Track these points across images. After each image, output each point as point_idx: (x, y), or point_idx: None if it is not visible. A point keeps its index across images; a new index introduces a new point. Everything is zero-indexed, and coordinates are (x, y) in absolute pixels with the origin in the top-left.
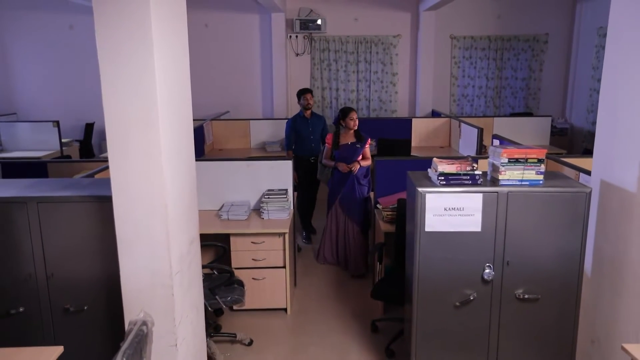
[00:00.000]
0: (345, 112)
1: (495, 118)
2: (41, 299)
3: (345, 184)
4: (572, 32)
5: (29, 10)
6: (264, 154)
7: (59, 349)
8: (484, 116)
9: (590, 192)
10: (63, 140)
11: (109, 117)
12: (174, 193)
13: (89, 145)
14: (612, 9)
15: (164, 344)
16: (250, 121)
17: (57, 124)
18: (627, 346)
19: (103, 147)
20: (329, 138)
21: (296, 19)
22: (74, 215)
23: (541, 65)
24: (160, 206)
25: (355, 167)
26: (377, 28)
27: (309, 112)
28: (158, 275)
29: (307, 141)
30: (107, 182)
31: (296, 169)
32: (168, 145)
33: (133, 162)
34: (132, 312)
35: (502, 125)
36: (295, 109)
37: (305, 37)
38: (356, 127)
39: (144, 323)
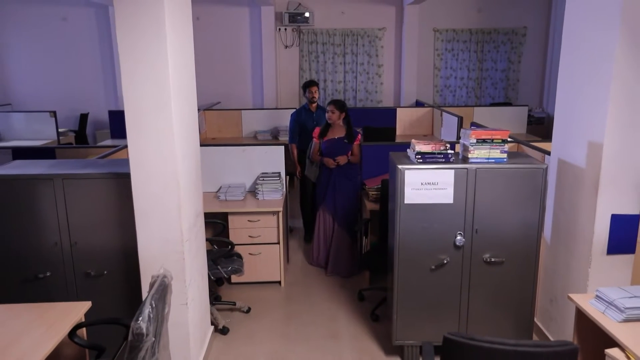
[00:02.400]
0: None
1: (475, 108)
2: (66, 265)
3: (329, 183)
4: (549, 26)
5: (22, 3)
6: (256, 142)
7: (87, 304)
8: (465, 106)
9: (547, 169)
10: (58, 130)
11: (128, 102)
12: (184, 170)
13: (84, 135)
14: (567, 8)
15: (176, 302)
16: (242, 111)
17: (54, 114)
18: (572, 296)
19: (98, 137)
20: (315, 132)
21: (285, 12)
22: (95, 190)
23: (520, 57)
24: (173, 181)
25: (342, 160)
26: (363, 21)
27: (314, 105)
28: (170, 243)
29: (311, 134)
30: (121, 162)
31: (300, 162)
32: (178, 127)
33: (149, 142)
34: (148, 276)
35: (482, 115)
36: (284, 99)
37: (294, 29)
38: (331, 120)
39: (165, 276)
